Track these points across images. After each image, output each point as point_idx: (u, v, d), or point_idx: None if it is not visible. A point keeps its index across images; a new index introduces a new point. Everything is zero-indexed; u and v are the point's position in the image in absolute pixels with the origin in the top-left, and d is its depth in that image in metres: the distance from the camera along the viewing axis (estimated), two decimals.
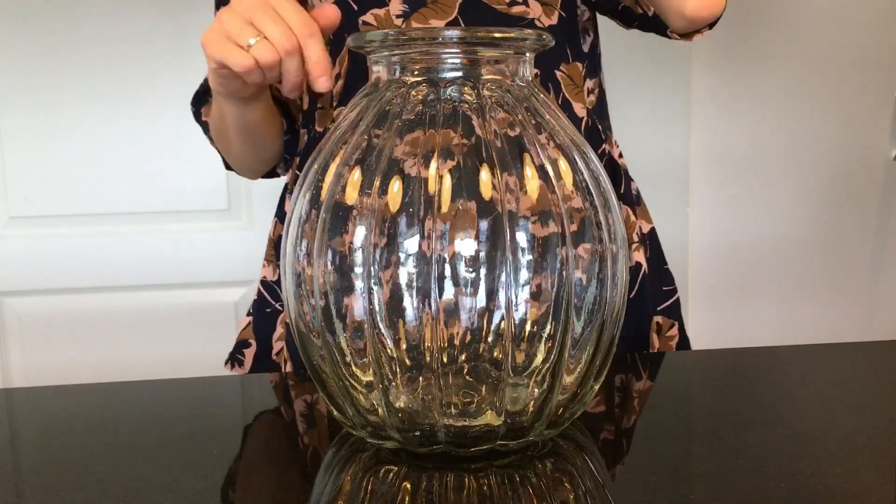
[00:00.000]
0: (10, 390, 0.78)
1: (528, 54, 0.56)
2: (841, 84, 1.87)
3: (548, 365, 0.53)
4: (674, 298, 0.93)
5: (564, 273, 0.51)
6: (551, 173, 0.52)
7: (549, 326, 0.52)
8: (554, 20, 0.85)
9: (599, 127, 0.90)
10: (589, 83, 0.88)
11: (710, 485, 0.53)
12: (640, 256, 0.91)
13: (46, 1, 1.64)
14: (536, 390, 0.54)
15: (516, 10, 0.83)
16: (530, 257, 0.51)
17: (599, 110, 0.91)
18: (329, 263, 0.52)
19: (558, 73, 0.86)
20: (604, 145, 0.91)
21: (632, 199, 0.93)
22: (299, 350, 0.56)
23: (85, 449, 0.61)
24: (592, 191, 0.54)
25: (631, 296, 0.88)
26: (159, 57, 1.66)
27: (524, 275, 0.51)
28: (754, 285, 1.83)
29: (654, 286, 0.92)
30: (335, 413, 0.57)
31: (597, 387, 0.57)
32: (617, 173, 0.92)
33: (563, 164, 0.53)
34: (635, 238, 0.91)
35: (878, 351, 0.79)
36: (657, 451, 0.58)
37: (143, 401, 0.70)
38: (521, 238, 0.51)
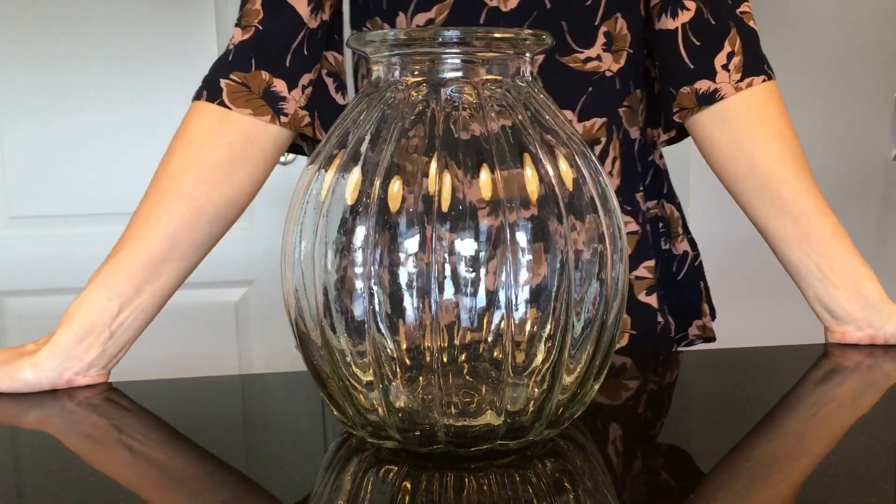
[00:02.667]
0: None
1: (527, 54, 0.56)
2: (841, 84, 1.87)
3: (548, 365, 0.53)
4: (699, 261, 0.98)
5: (564, 273, 0.51)
6: (551, 173, 0.52)
7: (549, 326, 0.52)
8: (622, 62, 0.87)
9: (647, 140, 0.93)
10: (643, 102, 0.91)
11: (711, 485, 0.53)
12: (686, 245, 0.96)
13: (47, 3, 1.64)
14: (536, 390, 0.54)
15: (590, 65, 0.86)
16: (530, 257, 0.51)
17: (647, 121, 0.94)
18: (329, 264, 0.52)
19: (621, 110, 0.89)
20: (652, 156, 0.94)
21: (674, 196, 0.96)
22: (300, 350, 0.57)
23: (85, 449, 0.61)
24: (593, 191, 0.54)
25: (679, 278, 0.95)
26: (159, 57, 1.66)
27: (524, 275, 0.51)
28: (754, 285, 1.83)
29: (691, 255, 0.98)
30: (335, 413, 0.57)
31: (597, 387, 0.57)
32: (660, 177, 0.95)
33: (564, 165, 0.53)
34: (679, 230, 0.95)
35: (879, 351, 0.79)
36: (657, 451, 0.58)
37: (142, 401, 0.70)
38: (521, 238, 0.51)
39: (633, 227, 0.89)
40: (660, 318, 0.89)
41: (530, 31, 0.54)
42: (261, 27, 0.80)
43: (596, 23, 0.85)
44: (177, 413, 0.68)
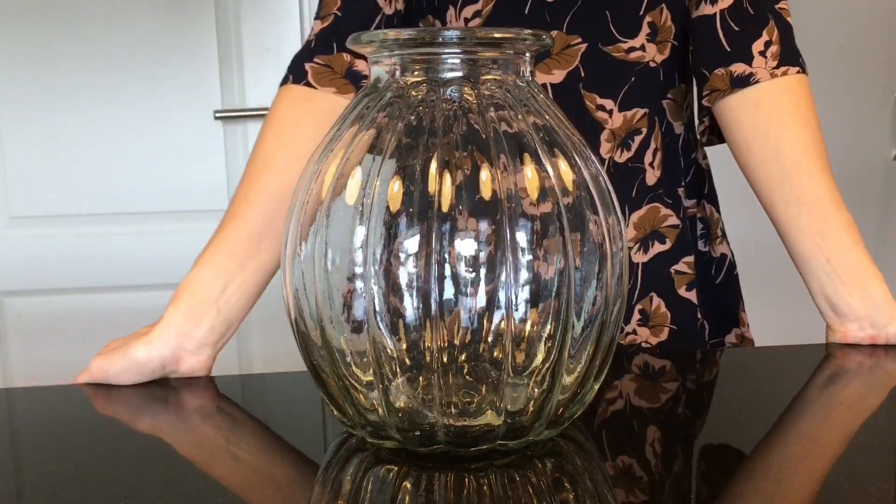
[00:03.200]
0: (10, 390, 0.78)
1: (527, 54, 0.56)
2: (841, 84, 1.87)
3: (548, 365, 0.53)
4: (735, 273, 0.98)
5: (564, 273, 0.51)
6: (551, 173, 0.52)
7: (548, 326, 0.52)
8: (667, 54, 0.87)
9: (692, 136, 0.93)
10: (687, 98, 0.92)
11: (710, 485, 0.53)
12: (724, 249, 0.95)
13: (47, 3, 1.64)
14: (536, 390, 0.54)
15: (634, 55, 0.86)
16: (530, 257, 0.51)
17: (692, 118, 0.94)
18: (329, 263, 0.52)
19: (665, 102, 0.89)
20: (694, 154, 0.94)
21: (714, 198, 0.96)
22: (300, 350, 0.57)
23: (85, 449, 0.61)
24: (593, 191, 0.54)
25: (717, 281, 0.94)
26: (159, 57, 1.66)
27: (524, 275, 0.51)
28: (754, 285, 1.82)
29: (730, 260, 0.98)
30: (335, 413, 0.57)
31: (597, 387, 0.57)
32: (702, 177, 0.95)
33: (564, 165, 0.53)
34: (719, 233, 0.95)
35: (880, 350, 0.79)
36: (657, 452, 0.58)
37: (143, 400, 0.70)
38: (521, 238, 0.51)
39: (675, 220, 0.89)
40: (699, 315, 0.89)
41: (530, 31, 0.54)
42: (339, 14, 0.84)
43: (640, 13, 0.85)
44: (176, 413, 0.68)
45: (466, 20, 0.86)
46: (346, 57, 0.83)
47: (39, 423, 0.68)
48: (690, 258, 0.89)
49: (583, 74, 0.85)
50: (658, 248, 0.88)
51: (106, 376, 0.73)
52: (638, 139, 0.87)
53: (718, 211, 0.97)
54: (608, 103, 0.86)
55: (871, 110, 1.89)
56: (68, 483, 0.54)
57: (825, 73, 1.85)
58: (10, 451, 0.62)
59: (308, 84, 0.82)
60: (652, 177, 0.88)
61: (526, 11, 0.84)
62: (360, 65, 0.83)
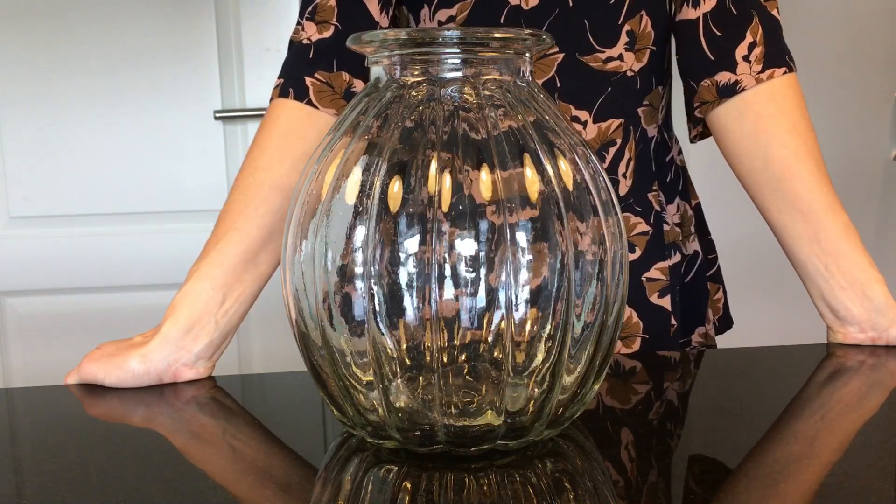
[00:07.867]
0: (10, 390, 0.78)
1: (527, 54, 0.56)
2: (841, 84, 1.87)
3: (548, 365, 0.53)
4: (717, 265, 0.98)
5: (564, 273, 0.51)
6: (551, 173, 0.52)
7: (549, 326, 0.52)
8: (644, 61, 0.86)
9: (666, 136, 0.92)
10: (664, 99, 0.90)
11: (710, 485, 0.53)
12: (696, 245, 0.94)
13: (47, 3, 1.64)
14: (536, 390, 0.54)
15: (611, 65, 0.85)
16: (530, 257, 0.51)
17: (667, 117, 0.93)
18: (329, 263, 0.52)
19: (640, 109, 0.87)
20: (671, 154, 0.93)
21: (688, 195, 0.95)
22: (300, 350, 0.57)
23: (85, 449, 0.61)
24: (593, 191, 0.54)
25: (687, 279, 0.93)
26: (159, 57, 1.66)
27: (524, 275, 0.51)
28: (753, 285, 1.83)
29: (703, 257, 0.97)
30: (335, 413, 0.57)
31: (597, 387, 0.57)
32: (678, 175, 0.94)
33: (564, 164, 0.53)
34: (692, 230, 0.94)
35: (880, 350, 0.79)
36: (657, 451, 0.58)
37: (143, 400, 0.70)
38: (521, 238, 0.51)
39: (644, 227, 0.88)
40: (673, 321, 0.88)
41: (529, 32, 0.54)
42: (339, 26, 0.83)
43: (619, 21, 0.84)
44: (177, 413, 0.68)
45: (440, 23, 0.85)
46: (345, 76, 0.83)
47: (39, 423, 0.68)
48: (664, 263, 0.88)
49: (559, 84, 0.84)
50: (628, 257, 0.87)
51: (97, 382, 0.73)
52: (612, 150, 0.86)
53: (696, 209, 0.96)
54: (583, 115, 0.85)
55: (871, 110, 1.90)
56: (68, 483, 0.54)
57: (825, 73, 1.85)
58: (10, 451, 0.62)
59: (310, 102, 0.82)
60: (623, 187, 0.87)
61: (501, 20, 0.83)
62: (358, 85, 0.83)
